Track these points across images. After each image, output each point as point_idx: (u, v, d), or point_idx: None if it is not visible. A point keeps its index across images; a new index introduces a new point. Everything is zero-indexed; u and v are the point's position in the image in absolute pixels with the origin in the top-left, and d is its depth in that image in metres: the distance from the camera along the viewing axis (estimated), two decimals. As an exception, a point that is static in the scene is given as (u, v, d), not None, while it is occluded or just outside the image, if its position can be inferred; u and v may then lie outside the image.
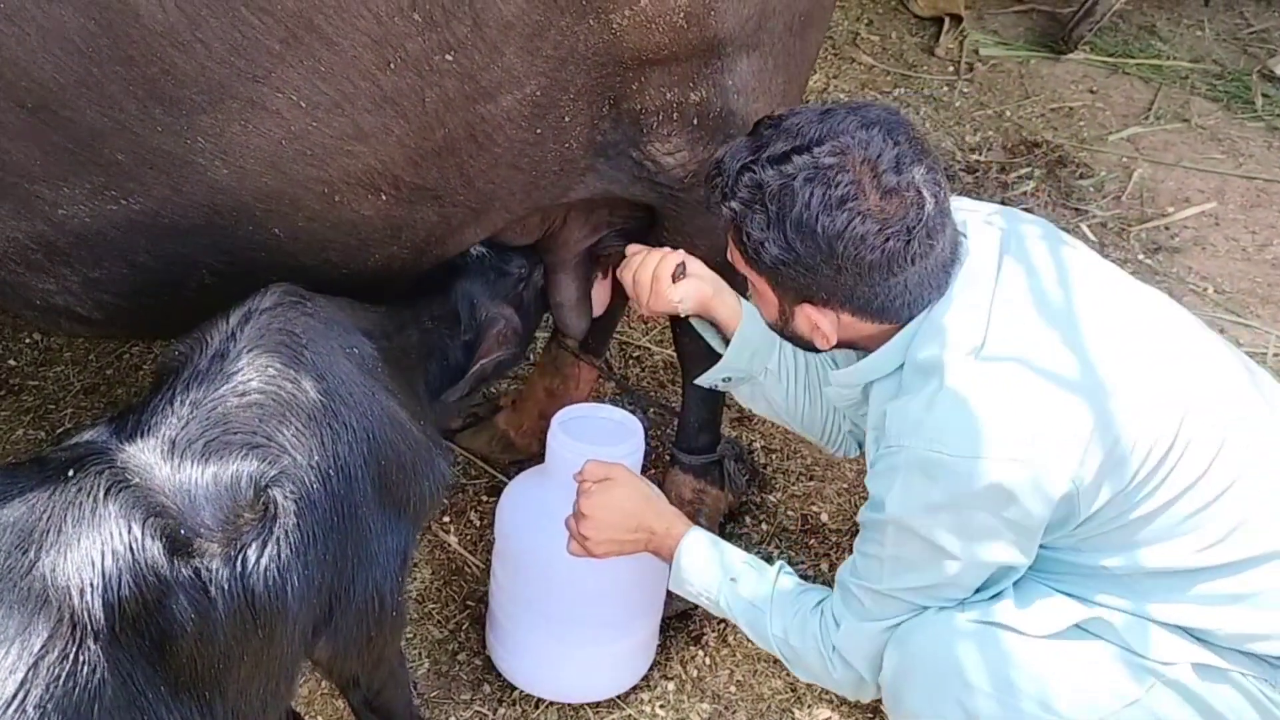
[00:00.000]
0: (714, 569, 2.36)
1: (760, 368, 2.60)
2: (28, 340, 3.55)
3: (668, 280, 2.47)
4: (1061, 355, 2.01)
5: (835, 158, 2.00)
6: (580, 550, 2.43)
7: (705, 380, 2.66)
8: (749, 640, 2.90)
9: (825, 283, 2.06)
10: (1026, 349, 2.01)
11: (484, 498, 3.24)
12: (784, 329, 2.22)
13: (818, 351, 2.26)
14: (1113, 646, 2.07)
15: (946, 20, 5.03)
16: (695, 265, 2.53)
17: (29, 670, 1.57)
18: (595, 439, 2.60)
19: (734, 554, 2.38)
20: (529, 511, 2.68)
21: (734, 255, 2.17)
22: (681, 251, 2.50)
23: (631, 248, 2.58)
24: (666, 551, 2.40)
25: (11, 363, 3.50)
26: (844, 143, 2.01)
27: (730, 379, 2.67)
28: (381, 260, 2.30)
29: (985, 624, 2.08)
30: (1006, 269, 2.10)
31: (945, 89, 4.77)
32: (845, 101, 2.17)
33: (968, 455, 1.96)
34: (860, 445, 2.62)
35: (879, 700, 2.78)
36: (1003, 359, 2.00)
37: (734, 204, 2.08)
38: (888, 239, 1.99)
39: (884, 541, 2.10)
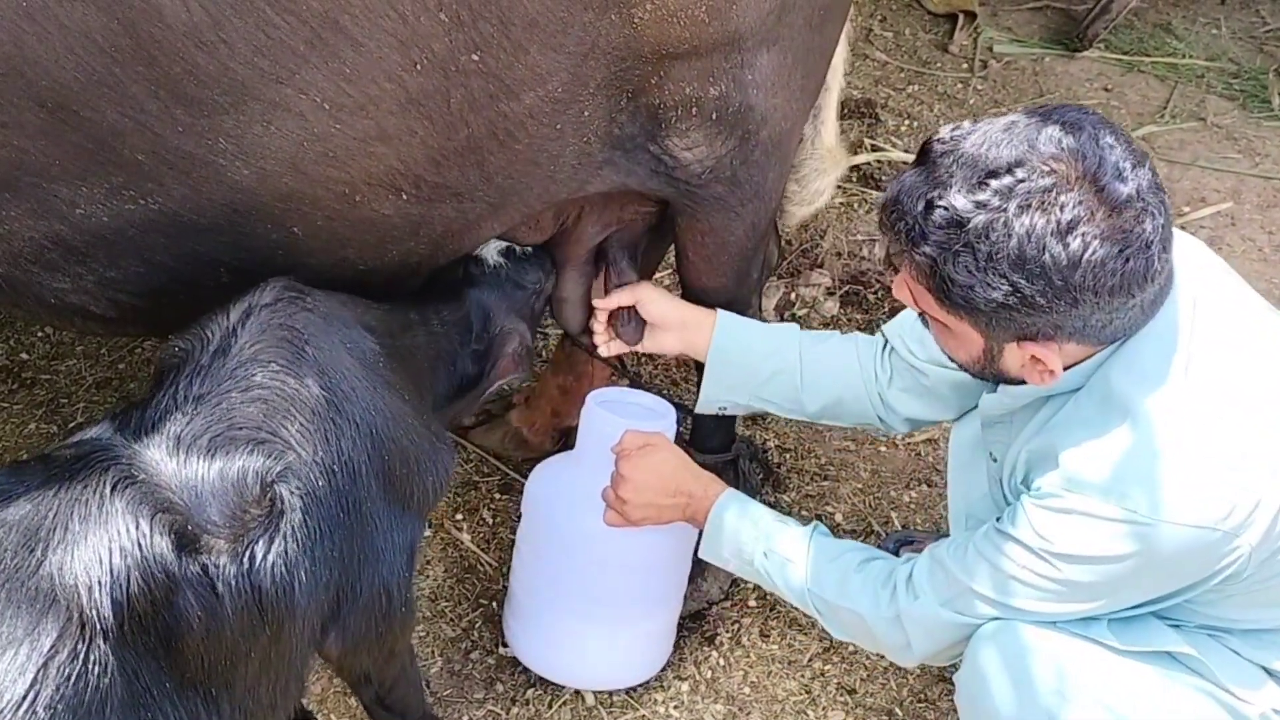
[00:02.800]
0: (748, 530, 2.35)
1: (751, 395, 2.63)
2: (39, 334, 3.53)
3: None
4: (1260, 409, 1.90)
5: (1049, 177, 1.77)
6: (617, 519, 2.44)
7: (699, 409, 2.72)
8: (763, 641, 2.94)
9: (1057, 318, 1.84)
10: (1226, 400, 1.89)
11: (496, 495, 3.23)
12: (984, 369, 2.03)
13: (1012, 383, 2.05)
14: (1202, 680, 2.06)
15: (960, 17, 4.99)
16: (654, 315, 2.62)
17: (39, 670, 1.56)
18: (630, 418, 2.61)
19: (767, 514, 2.39)
20: (559, 487, 2.69)
21: (925, 301, 1.95)
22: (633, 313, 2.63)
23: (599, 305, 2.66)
24: (702, 515, 2.41)
25: (24, 356, 3.48)
26: (1050, 154, 1.79)
27: (725, 409, 2.70)
28: (399, 256, 2.29)
29: (1078, 636, 2.05)
30: (1202, 300, 1.96)
31: (959, 86, 4.74)
32: (1026, 107, 1.93)
33: (1159, 519, 1.86)
34: (901, 422, 2.60)
35: (893, 701, 2.80)
36: (1204, 412, 1.88)
37: (927, 249, 1.84)
38: (1128, 259, 1.78)
39: (1015, 561, 2.01)
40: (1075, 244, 1.76)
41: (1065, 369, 1.96)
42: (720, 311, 2.64)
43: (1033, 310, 1.83)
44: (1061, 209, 1.76)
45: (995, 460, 2.23)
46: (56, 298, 2.14)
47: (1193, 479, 1.86)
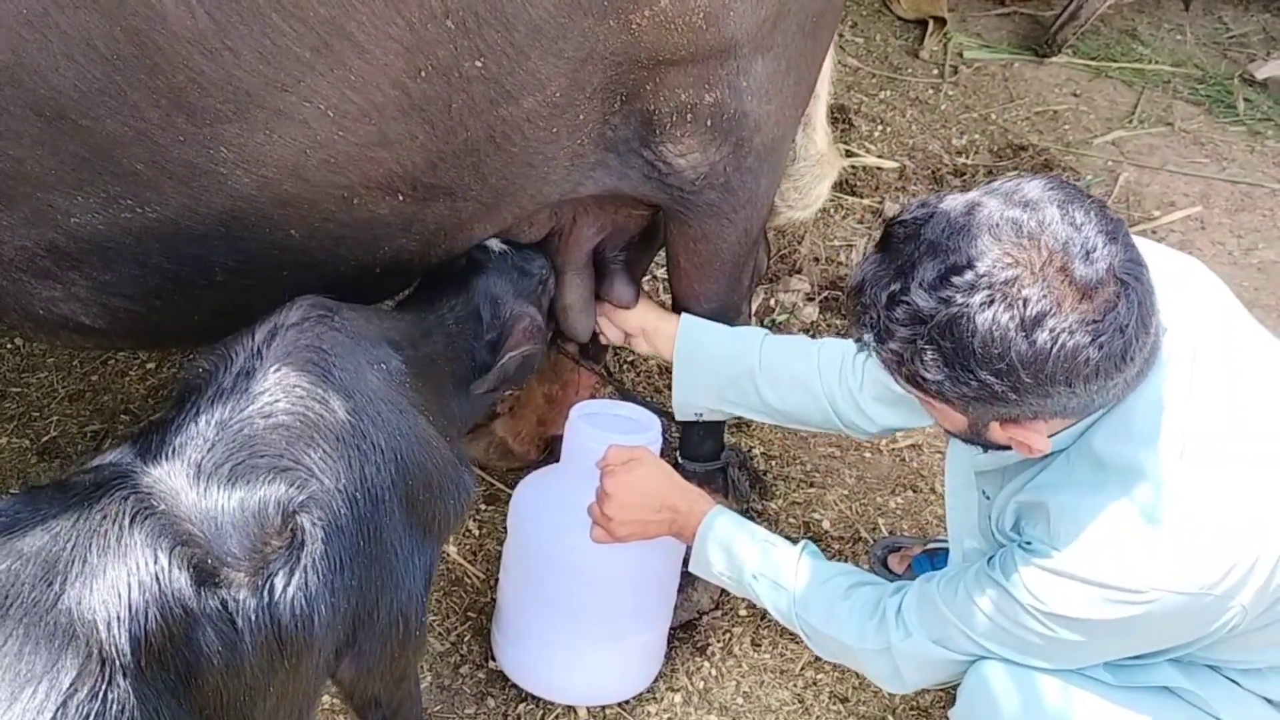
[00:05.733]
0: (737, 547, 2.33)
1: (719, 398, 2.63)
2: (9, 346, 3.45)
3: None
4: (1260, 464, 1.85)
5: (1011, 268, 1.68)
6: (603, 535, 2.40)
7: (677, 416, 2.72)
8: (755, 650, 2.92)
9: (1032, 405, 1.78)
10: (1224, 460, 1.83)
11: (483, 507, 3.19)
12: (972, 440, 1.99)
13: (1001, 449, 1.98)
14: (1200, 713, 2.05)
15: (930, 23, 5.02)
16: (623, 320, 2.66)
17: (58, 710, 1.50)
18: (614, 431, 2.59)
19: (758, 532, 2.37)
20: (545, 501, 2.66)
21: (904, 386, 1.89)
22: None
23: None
24: (689, 531, 2.38)
25: (-7, 369, 3.41)
26: (1013, 243, 1.70)
27: (700, 415, 2.70)
28: (391, 252, 2.27)
29: (1076, 674, 2.04)
30: (1204, 352, 1.88)
31: (930, 92, 4.76)
32: (986, 185, 1.83)
33: (1152, 586, 1.82)
34: (876, 428, 2.58)
35: (885, 709, 2.79)
36: (1199, 474, 1.82)
37: (894, 345, 1.78)
38: (1102, 346, 1.69)
39: (1008, 616, 1.99)
40: (1042, 338, 1.68)
41: (1055, 434, 1.92)
42: (684, 316, 2.63)
43: (1005, 403, 1.78)
44: (1025, 303, 1.68)
45: (988, 498, 2.21)
46: (45, 308, 2.09)
47: (1187, 545, 1.82)
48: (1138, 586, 1.83)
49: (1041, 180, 1.80)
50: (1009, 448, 1.96)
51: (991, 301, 1.68)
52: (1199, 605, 1.84)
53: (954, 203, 1.79)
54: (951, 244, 1.73)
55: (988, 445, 2.00)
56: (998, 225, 1.72)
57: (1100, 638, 1.95)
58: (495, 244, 2.49)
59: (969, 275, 1.70)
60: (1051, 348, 1.68)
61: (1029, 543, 1.96)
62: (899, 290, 1.75)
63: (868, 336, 1.83)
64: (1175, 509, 1.82)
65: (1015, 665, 2.06)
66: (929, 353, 1.75)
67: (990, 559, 2.06)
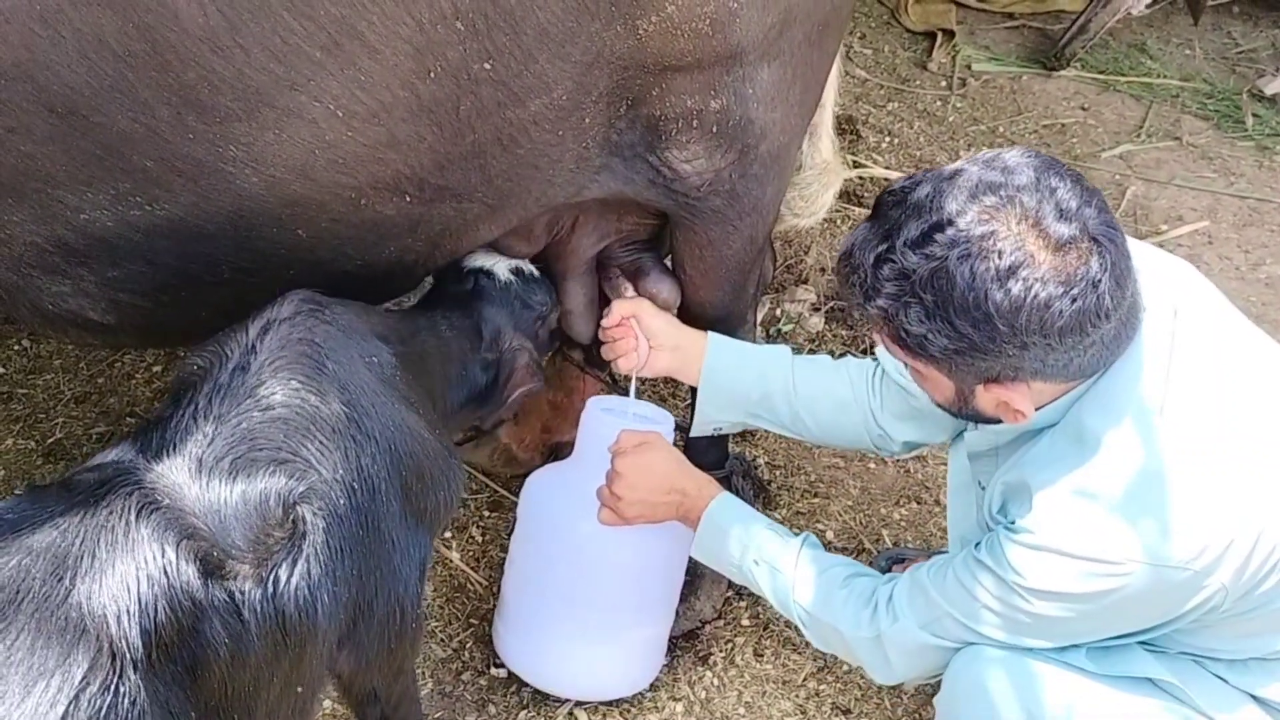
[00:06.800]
0: (740, 533, 2.35)
1: (745, 414, 2.63)
2: (17, 347, 3.46)
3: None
4: (1237, 448, 1.89)
5: (986, 224, 1.79)
6: (610, 516, 2.43)
7: (694, 432, 2.71)
8: (757, 661, 2.91)
9: (1011, 360, 1.85)
10: (1202, 440, 1.88)
11: (486, 513, 3.19)
12: (961, 410, 2.04)
13: (990, 422, 2.05)
14: (1181, 706, 2.06)
15: (939, 35, 5.03)
16: (654, 335, 2.59)
17: (70, 704, 1.51)
18: (628, 424, 2.61)
19: (761, 520, 2.39)
20: (555, 490, 2.68)
21: (892, 349, 1.97)
22: (640, 339, 2.59)
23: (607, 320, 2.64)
24: (696, 515, 2.41)
25: (0, 370, 3.41)
26: (990, 203, 1.80)
27: (720, 429, 2.67)
28: (396, 252, 2.29)
29: (1056, 662, 2.06)
30: (1181, 334, 1.94)
31: (939, 104, 4.77)
32: (972, 156, 1.94)
33: (1129, 559, 1.87)
34: (898, 446, 2.61)
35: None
36: (1177, 452, 1.87)
37: (881, 302, 1.87)
38: (1075, 299, 1.77)
39: (990, 592, 2.03)
40: (1016, 288, 1.77)
41: (1041, 406, 1.96)
42: (711, 334, 2.64)
43: (985, 355, 1.85)
44: (1000, 255, 1.77)
45: (983, 488, 2.24)
46: (54, 303, 2.10)
47: (1163, 520, 1.86)
48: (1115, 558, 1.88)
49: (1020, 150, 1.90)
50: (998, 420, 2.01)
51: (968, 255, 1.78)
52: (1177, 579, 1.88)
53: (938, 172, 1.90)
54: (934, 205, 1.83)
55: (977, 417, 2.05)
56: (976, 187, 1.82)
57: (1084, 611, 1.97)
58: (502, 272, 2.52)
59: (950, 232, 1.80)
60: (1025, 298, 1.77)
61: (1013, 522, 2.00)
62: (885, 250, 1.86)
63: (856, 297, 1.93)
64: (1153, 485, 1.87)
65: (999, 649, 2.08)
66: (913, 307, 1.84)
67: (977, 544, 2.09)
